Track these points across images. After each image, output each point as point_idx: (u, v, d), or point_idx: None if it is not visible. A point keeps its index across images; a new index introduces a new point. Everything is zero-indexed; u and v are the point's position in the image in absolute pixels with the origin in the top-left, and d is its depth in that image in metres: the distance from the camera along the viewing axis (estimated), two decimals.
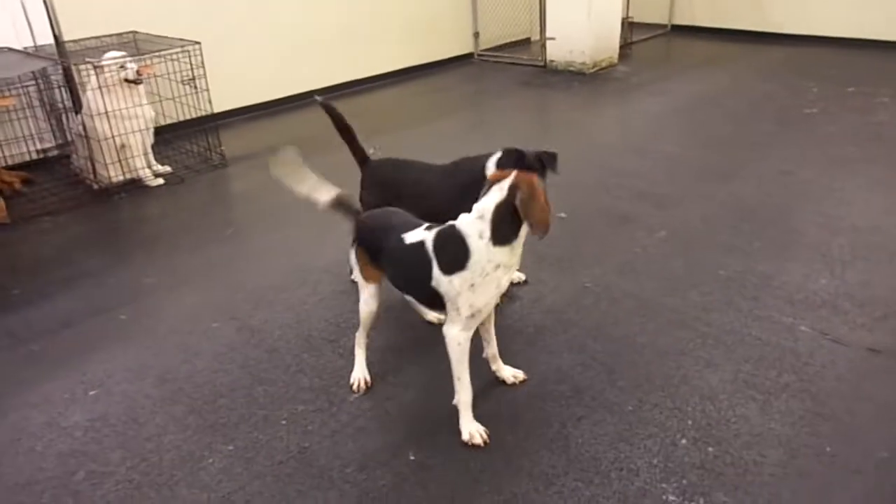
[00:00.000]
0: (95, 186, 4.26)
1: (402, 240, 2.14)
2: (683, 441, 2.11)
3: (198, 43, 4.44)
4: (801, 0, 7.20)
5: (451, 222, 2.07)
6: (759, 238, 3.29)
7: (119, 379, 2.57)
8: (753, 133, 4.76)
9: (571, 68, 6.69)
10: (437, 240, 2.07)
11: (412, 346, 2.68)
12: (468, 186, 2.31)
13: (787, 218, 3.50)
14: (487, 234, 1.96)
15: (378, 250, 2.23)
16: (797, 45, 7.11)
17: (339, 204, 2.35)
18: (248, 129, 5.58)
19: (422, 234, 2.11)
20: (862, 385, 2.30)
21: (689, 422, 2.19)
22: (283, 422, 2.31)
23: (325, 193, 2.33)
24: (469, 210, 2.03)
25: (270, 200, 4.11)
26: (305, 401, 2.40)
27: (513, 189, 1.93)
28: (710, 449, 2.08)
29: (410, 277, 2.18)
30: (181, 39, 4.47)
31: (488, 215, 1.96)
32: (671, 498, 1.92)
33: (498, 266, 1.99)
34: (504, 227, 1.96)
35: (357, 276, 2.38)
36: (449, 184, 2.68)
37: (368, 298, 2.36)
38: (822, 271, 2.99)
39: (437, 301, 2.11)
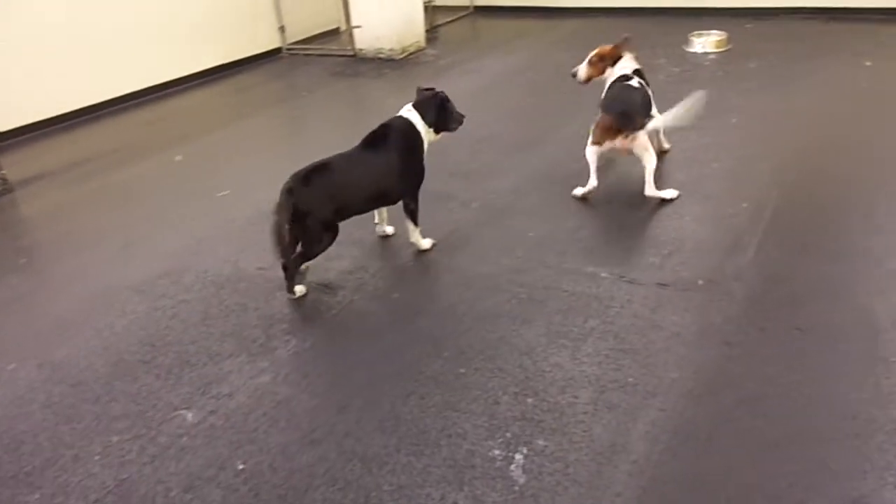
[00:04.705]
0: None
1: None
2: (505, 397, 2.21)
3: None
4: None
5: None
6: (564, 199, 3.51)
7: None
8: (555, 102, 5.04)
9: (381, 55, 6.72)
10: None
11: (234, 354, 2.58)
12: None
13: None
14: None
15: None
16: (588, 17, 7.61)
17: None
18: (35, 147, 5.06)
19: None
20: (653, 317, 2.53)
21: (509, 378, 2.30)
22: (97, 457, 2.13)
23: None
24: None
25: (67, 223, 3.77)
26: (120, 430, 2.23)
27: None
28: (529, 400, 2.19)
29: None
30: None
31: None
32: (497, 453, 2.00)
33: None
34: None
35: None
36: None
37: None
38: (613, 219, 3.26)
39: None
